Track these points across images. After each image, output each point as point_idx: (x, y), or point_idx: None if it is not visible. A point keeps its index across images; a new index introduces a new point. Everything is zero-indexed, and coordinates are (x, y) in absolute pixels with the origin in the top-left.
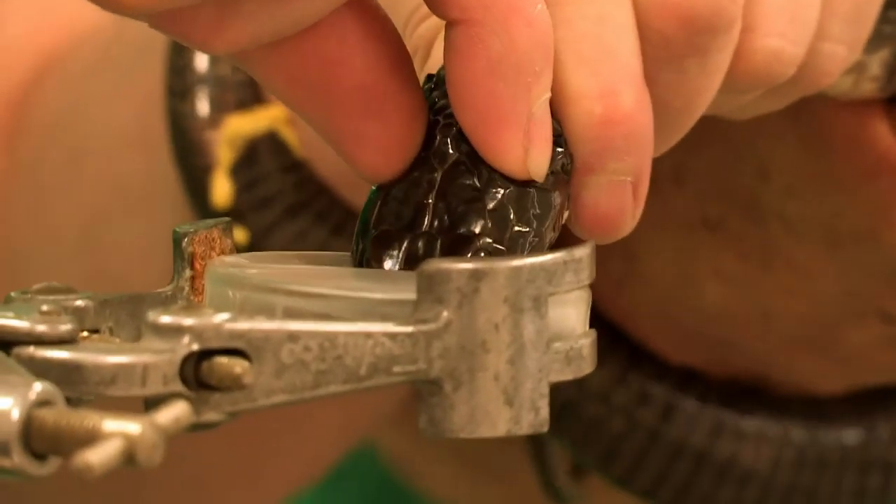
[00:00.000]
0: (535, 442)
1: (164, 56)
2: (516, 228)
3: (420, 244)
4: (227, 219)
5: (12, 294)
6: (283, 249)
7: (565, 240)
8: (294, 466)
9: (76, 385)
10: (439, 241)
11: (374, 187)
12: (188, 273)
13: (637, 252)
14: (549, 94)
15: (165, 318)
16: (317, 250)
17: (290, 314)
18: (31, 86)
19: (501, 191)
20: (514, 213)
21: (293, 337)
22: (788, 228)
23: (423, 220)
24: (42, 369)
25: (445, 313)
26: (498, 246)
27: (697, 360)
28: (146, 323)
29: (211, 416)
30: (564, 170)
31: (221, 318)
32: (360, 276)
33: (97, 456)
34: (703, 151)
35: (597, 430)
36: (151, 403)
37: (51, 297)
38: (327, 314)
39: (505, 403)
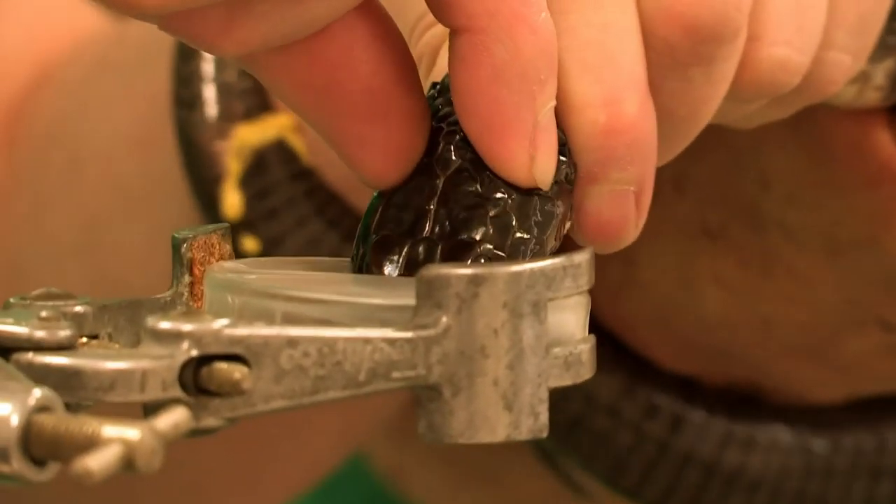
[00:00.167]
0: (543, 451)
1: (169, 63)
2: (518, 235)
3: (420, 249)
4: (226, 224)
5: (11, 300)
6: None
7: (565, 247)
8: (293, 472)
9: (75, 391)
10: (440, 247)
11: (375, 193)
12: (187, 278)
13: (637, 259)
14: (554, 103)
15: (164, 324)
16: (328, 257)
17: (290, 320)
18: (30, 92)
19: (504, 198)
20: (517, 220)
21: (292, 342)
22: (789, 236)
23: (424, 226)
24: (41, 375)
25: (444, 319)
26: (499, 252)
27: (696, 368)
28: (145, 328)
29: (210, 421)
30: (568, 179)
31: (220, 323)
32: (359, 281)
33: (96, 461)
34: (703, 159)
35: (604, 444)
36: (150, 409)
37: (50, 303)
38: (326, 320)
39: (504, 409)
